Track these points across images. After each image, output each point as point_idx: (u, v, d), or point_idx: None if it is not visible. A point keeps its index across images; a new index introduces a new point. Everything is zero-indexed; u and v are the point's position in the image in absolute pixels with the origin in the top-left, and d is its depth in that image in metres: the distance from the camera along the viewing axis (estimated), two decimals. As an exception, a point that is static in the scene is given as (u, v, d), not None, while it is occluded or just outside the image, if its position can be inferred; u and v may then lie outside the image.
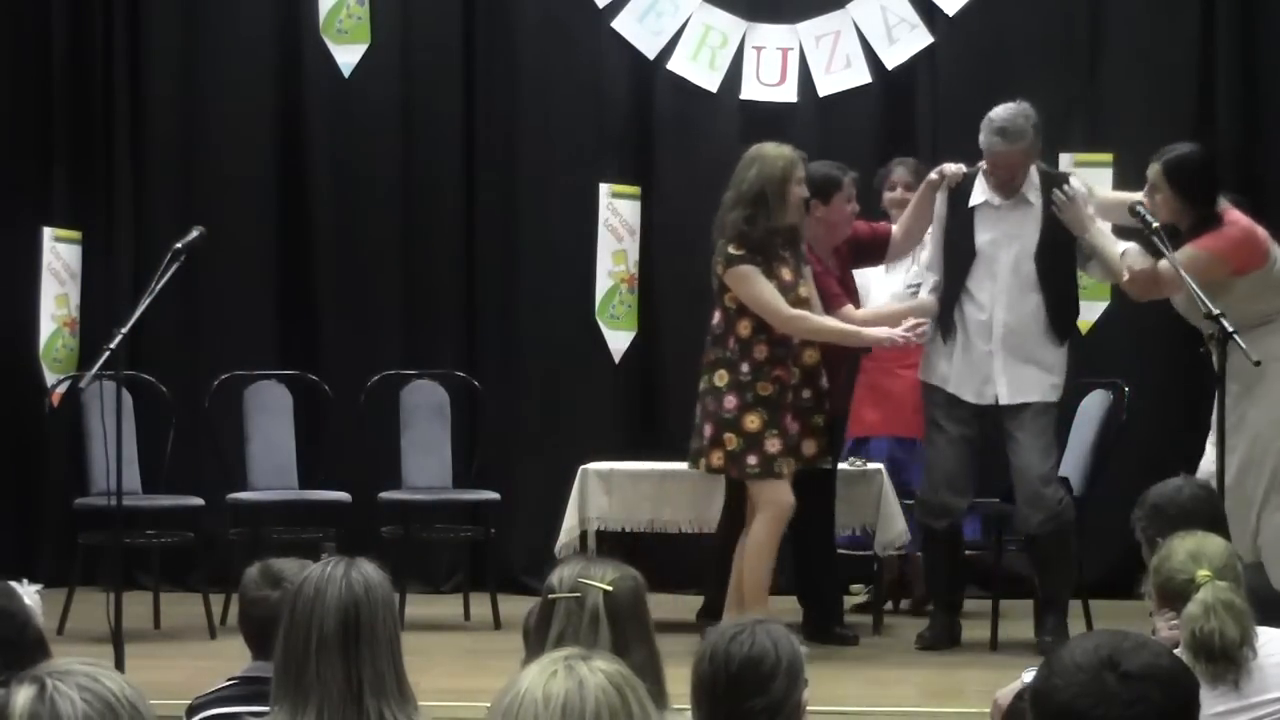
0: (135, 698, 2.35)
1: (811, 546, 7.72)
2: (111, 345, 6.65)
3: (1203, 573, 3.98)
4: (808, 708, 3.28)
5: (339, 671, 3.26)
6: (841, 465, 7.92)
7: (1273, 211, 8.76)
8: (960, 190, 7.61)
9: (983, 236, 7.53)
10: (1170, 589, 4.06)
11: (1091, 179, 8.49)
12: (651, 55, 9.38)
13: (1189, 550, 4.10)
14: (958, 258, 7.58)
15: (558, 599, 3.44)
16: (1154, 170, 7.17)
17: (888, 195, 8.45)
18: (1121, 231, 7.40)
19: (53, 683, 2.29)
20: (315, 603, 3.30)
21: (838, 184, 7.68)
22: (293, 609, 3.33)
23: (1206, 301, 6.64)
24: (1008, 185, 7.51)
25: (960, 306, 7.55)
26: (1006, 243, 7.51)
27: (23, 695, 2.29)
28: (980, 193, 7.56)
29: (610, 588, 3.43)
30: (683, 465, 8.13)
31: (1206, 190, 7.08)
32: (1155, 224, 6.93)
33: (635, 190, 9.30)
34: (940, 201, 7.68)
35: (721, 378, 7.27)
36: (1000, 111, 7.52)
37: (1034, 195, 7.51)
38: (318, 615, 3.29)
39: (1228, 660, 3.84)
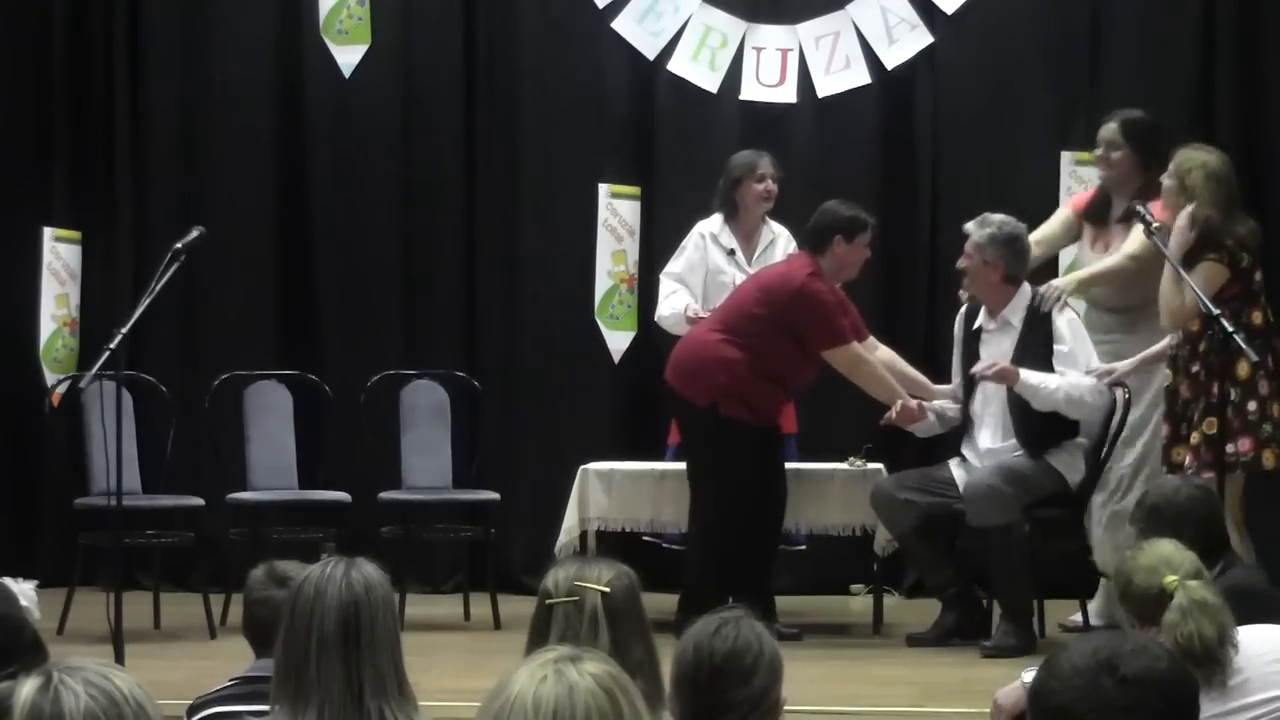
0: (144, 699, 2.35)
1: (758, 545, 7.73)
2: (111, 345, 6.66)
3: (1170, 579, 3.94)
4: (786, 706, 3.29)
5: (339, 672, 3.26)
6: (841, 465, 7.94)
7: (1274, 211, 8.78)
8: (970, 313, 7.78)
9: (983, 354, 7.68)
10: (1145, 608, 4.02)
11: (1092, 179, 8.51)
12: (651, 56, 9.37)
13: (1146, 566, 4.05)
14: (965, 382, 7.77)
15: (555, 604, 3.44)
16: (1111, 129, 7.72)
17: (756, 188, 8.22)
18: None
19: (59, 676, 2.30)
20: (315, 603, 3.30)
21: (865, 226, 7.69)
22: (292, 610, 3.33)
23: (1208, 303, 6.66)
24: (992, 306, 7.64)
25: (969, 430, 7.73)
26: (996, 356, 7.62)
27: (28, 687, 2.30)
28: (980, 316, 7.72)
29: (608, 589, 3.44)
30: (683, 465, 8.13)
31: (1161, 153, 7.51)
32: (1155, 224, 6.94)
33: (635, 190, 9.29)
34: (958, 326, 7.86)
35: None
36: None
37: (1016, 318, 7.59)
38: (318, 615, 3.29)
39: (1211, 661, 3.82)
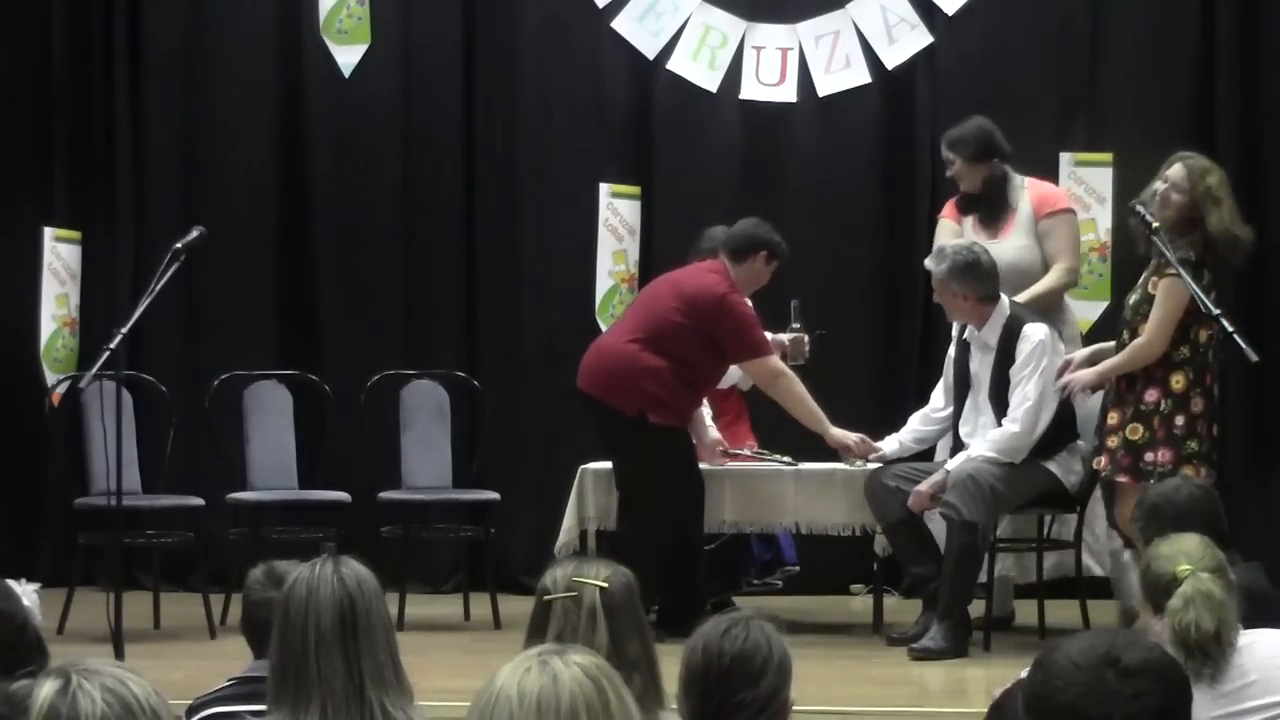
0: (159, 705, 2.35)
1: (691, 546, 7.77)
2: (111, 345, 6.67)
3: (1183, 567, 3.96)
4: (796, 707, 3.29)
5: (340, 666, 3.26)
6: (841, 465, 7.93)
7: (1273, 210, 8.79)
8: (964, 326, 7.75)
9: (971, 366, 7.69)
10: (1157, 594, 4.03)
11: (1091, 179, 8.51)
12: (651, 55, 9.37)
13: (1167, 553, 4.07)
14: (958, 386, 7.74)
15: (554, 600, 3.44)
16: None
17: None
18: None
19: (78, 679, 2.29)
20: (309, 602, 3.30)
21: (784, 254, 7.83)
22: (286, 612, 3.32)
23: (1208, 303, 6.65)
24: (976, 326, 7.63)
25: (959, 440, 7.71)
26: (980, 374, 7.64)
27: (46, 688, 2.30)
28: (968, 328, 7.71)
29: (606, 585, 3.44)
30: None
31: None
32: (1155, 224, 6.92)
33: (635, 190, 9.30)
34: (955, 331, 7.82)
35: None
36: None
37: (993, 338, 7.56)
38: (313, 614, 3.29)
39: (1203, 654, 3.82)
